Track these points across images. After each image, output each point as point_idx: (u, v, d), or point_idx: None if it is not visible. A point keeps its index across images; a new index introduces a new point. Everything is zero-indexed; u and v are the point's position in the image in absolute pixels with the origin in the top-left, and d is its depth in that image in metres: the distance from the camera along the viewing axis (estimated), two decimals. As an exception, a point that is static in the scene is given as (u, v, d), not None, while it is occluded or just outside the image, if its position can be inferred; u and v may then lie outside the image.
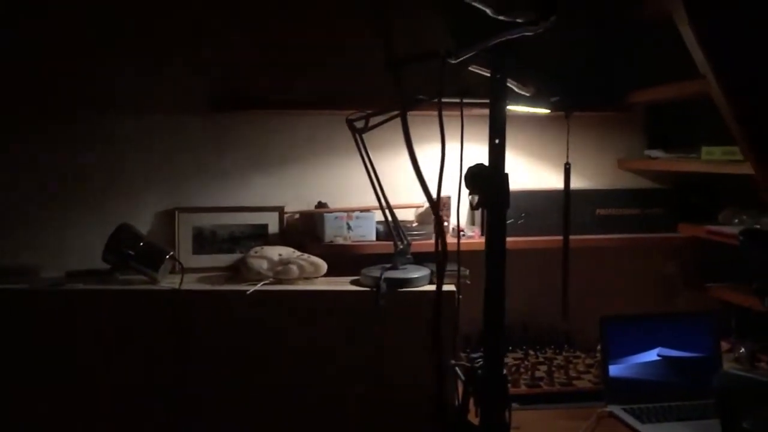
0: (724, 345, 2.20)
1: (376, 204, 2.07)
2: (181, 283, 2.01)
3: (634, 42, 2.33)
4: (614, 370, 2.02)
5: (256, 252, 2.13)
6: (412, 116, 1.78)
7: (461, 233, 2.31)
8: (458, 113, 1.39)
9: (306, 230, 2.35)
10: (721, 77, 1.73)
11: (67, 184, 2.25)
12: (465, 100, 1.38)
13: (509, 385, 2.06)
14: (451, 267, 2.03)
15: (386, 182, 2.06)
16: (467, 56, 1.14)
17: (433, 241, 2.00)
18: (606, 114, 2.46)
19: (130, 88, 2.25)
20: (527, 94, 1.70)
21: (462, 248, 1.53)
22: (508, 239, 1.26)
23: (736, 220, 2.21)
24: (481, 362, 1.26)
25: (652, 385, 2.01)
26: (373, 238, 2.27)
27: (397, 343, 1.95)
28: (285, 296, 2.00)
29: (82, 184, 2.26)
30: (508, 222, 2.25)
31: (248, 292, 1.97)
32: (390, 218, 2.07)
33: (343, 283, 2.07)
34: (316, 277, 2.10)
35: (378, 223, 2.27)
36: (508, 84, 1.49)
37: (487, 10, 0.91)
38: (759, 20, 1.73)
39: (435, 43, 1.15)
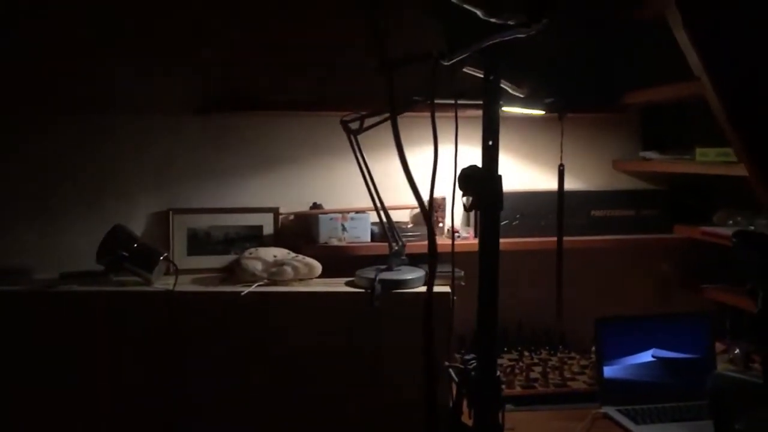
0: (719, 346, 2.20)
1: (371, 205, 2.07)
2: (175, 285, 2.00)
3: (629, 44, 2.33)
4: (609, 371, 2.02)
5: (250, 253, 2.13)
6: (408, 117, 1.79)
7: (456, 234, 2.31)
8: (454, 115, 1.39)
9: (301, 231, 2.34)
10: (715, 79, 1.74)
11: (61, 184, 2.25)
12: (460, 102, 1.38)
13: (503, 386, 2.08)
14: (445, 268, 2.05)
15: (381, 183, 2.06)
16: (460, 58, 1.13)
17: (427, 242, 2.00)
18: (601, 115, 2.46)
19: (125, 89, 2.25)
20: (521, 96, 1.70)
21: (457, 249, 1.53)
22: (503, 240, 1.26)
23: (731, 222, 2.21)
24: (475, 364, 1.25)
25: (646, 386, 2.01)
26: (368, 239, 2.27)
27: (393, 344, 1.95)
28: (279, 298, 1.99)
29: (76, 185, 2.25)
30: (502, 223, 2.26)
31: (242, 294, 1.97)
32: (385, 219, 2.07)
33: (338, 285, 2.07)
34: (311, 279, 2.10)
35: (373, 224, 2.27)
36: (503, 85, 1.49)
37: (478, 13, 0.91)
38: (753, 22, 1.73)
39: (431, 45, 1.14)
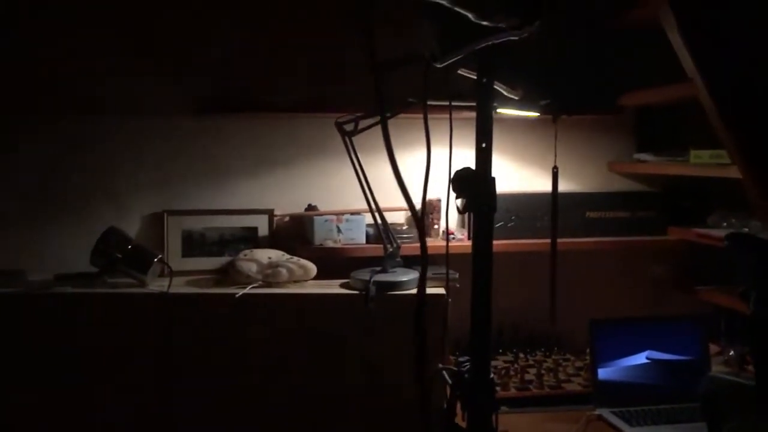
0: (714, 348, 2.21)
1: (366, 207, 2.06)
2: (169, 286, 2.00)
3: (623, 46, 2.33)
4: (603, 373, 2.02)
5: (245, 255, 2.13)
6: (404, 119, 1.79)
7: (451, 236, 2.31)
8: (449, 116, 1.39)
9: (296, 233, 2.34)
10: (709, 81, 1.74)
11: (55, 185, 2.24)
12: (454, 103, 1.38)
13: (498, 388, 2.08)
14: (440, 270, 2.05)
15: (376, 185, 2.06)
16: (453, 60, 1.13)
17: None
18: (596, 117, 2.46)
19: (119, 90, 2.24)
20: (516, 98, 1.70)
21: (451, 251, 1.53)
22: (498, 242, 1.26)
23: (725, 224, 2.22)
24: (468, 366, 1.25)
25: (641, 388, 2.01)
26: (363, 241, 2.27)
27: (387, 346, 1.95)
28: (274, 299, 1.99)
29: (71, 186, 2.25)
30: (497, 225, 2.28)
31: (237, 296, 1.97)
32: (380, 221, 2.07)
33: (333, 287, 2.07)
34: (306, 281, 2.10)
35: (368, 225, 2.27)
36: (497, 87, 1.49)
37: (470, 15, 0.91)
38: (746, 24, 1.73)
39: (428, 47, 1.14)
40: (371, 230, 2.26)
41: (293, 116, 2.32)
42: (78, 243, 2.13)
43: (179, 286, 2.05)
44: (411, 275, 2.03)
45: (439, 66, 1.10)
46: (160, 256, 2.11)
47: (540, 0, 0.97)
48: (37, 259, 2.19)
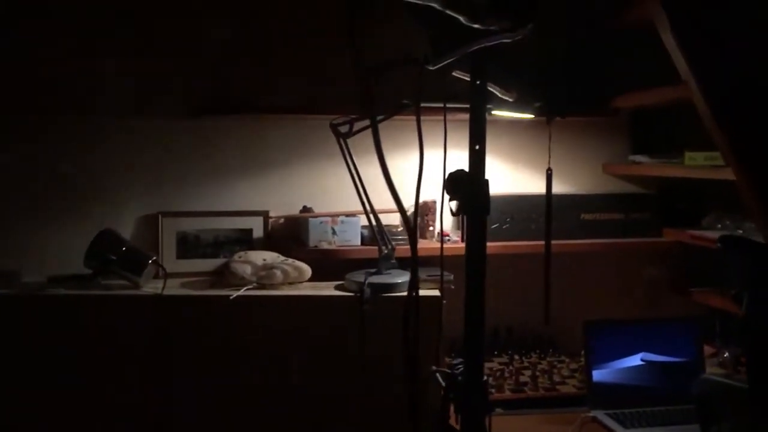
0: (709, 349, 2.21)
1: (361, 208, 2.06)
2: (163, 288, 1.99)
3: (618, 47, 2.33)
4: (598, 375, 2.02)
5: (240, 257, 2.12)
6: (400, 121, 1.79)
7: (446, 238, 2.31)
8: (443, 118, 1.39)
9: (291, 235, 2.34)
10: (702, 83, 1.74)
11: (49, 187, 2.24)
12: (448, 105, 1.38)
13: (493, 390, 2.08)
14: (435, 272, 2.05)
15: (371, 187, 2.05)
16: (447, 62, 1.13)
17: (418, 245, 2.00)
18: (591, 119, 2.47)
19: (114, 92, 2.24)
20: (510, 100, 1.70)
21: (446, 253, 1.53)
22: (493, 244, 1.26)
23: (720, 225, 2.22)
24: (462, 368, 1.25)
25: (635, 390, 2.01)
26: (358, 242, 2.27)
27: (382, 348, 1.94)
28: (269, 301, 1.99)
29: (65, 188, 2.24)
30: (493, 227, 2.28)
31: (231, 297, 1.96)
32: (375, 223, 2.07)
33: (328, 288, 2.07)
34: (300, 282, 2.09)
35: (363, 227, 2.27)
36: (492, 89, 1.49)
37: (461, 18, 0.91)
38: (740, 26, 1.74)
39: (424, 49, 1.14)
40: (366, 232, 2.26)
41: (288, 118, 2.32)
42: (72, 244, 2.12)
43: (174, 288, 2.05)
44: (406, 277, 2.02)
45: (432, 68, 1.10)
46: (154, 257, 2.10)
47: (533, 3, 0.97)
48: (30, 261, 2.18)
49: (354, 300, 1.95)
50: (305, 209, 2.33)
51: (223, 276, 2.12)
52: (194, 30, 2.25)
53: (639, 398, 1.99)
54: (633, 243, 2.42)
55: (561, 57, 2.29)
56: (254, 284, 2.04)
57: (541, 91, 1.84)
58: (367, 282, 1.96)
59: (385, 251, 2.09)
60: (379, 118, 1.85)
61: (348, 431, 1.98)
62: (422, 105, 1.19)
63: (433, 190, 1.95)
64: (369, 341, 1.94)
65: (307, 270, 2.10)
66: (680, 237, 2.32)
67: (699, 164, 2.08)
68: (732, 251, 1.35)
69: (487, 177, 1.21)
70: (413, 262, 1.11)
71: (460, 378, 1.25)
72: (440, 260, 1.46)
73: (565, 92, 2.13)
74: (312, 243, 2.23)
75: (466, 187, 1.22)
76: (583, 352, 2.09)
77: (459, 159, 1.27)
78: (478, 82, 1.18)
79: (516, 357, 2.34)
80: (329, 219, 2.25)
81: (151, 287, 2.05)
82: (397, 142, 2.08)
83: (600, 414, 1.94)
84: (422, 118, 1.19)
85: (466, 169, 1.21)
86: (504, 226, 2.33)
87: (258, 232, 2.32)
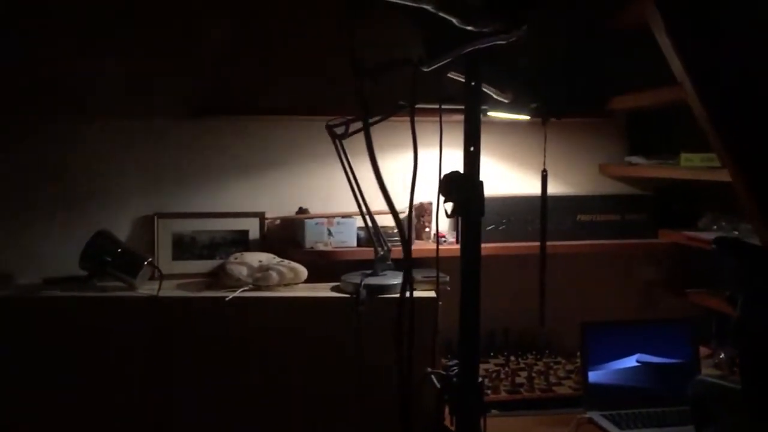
0: (705, 350, 2.21)
1: (357, 210, 2.06)
2: (159, 290, 1.99)
3: (614, 49, 2.34)
4: (594, 376, 2.02)
5: (236, 258, 2.12)
6: (396, 122, 1.79)
7: (442, 239, 2.32)
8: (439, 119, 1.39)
9: (287, 236, 2.34)
10: (698, 84, 1.74)
11: (45, 188, 2.23)
12: (443, 107, 1.38)
13: (489, 391, 2.08)
14: (431, 273, 2.05)
15: (367, 188, 2.05)
16: (441, 64, 1.13)
17: (413, 247, 2.00)
18: (587, 120, 2.47)
19: (110, 92, 2.23)
20: (506, 101, 1.70)
21: (442, 254, 1.53)
22: (489, 245, 1.26)
23: (716, 226, 2.22)
24: (457, 370, 1.25)
25: (631, 391, 2.02)
26: (354, 244, 2.26)
27: (378, 349, 1.94)
28: (264, 303, 1.99)
29: (60, 189, 2.24)
30: (489, 228, 2.28)
31: (227, 299, 1.96)
32: (371, 224, 2.07)
33: (324, 290, 2.07)
34: (296, 284, 2.09)
35: (359, 229, 2.26)
36: (487, 91, 1.49)
37: (454, 20, 0.91)
38: (735, 27, 1.74)
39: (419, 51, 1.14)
40: (362, 233, 2.26)
41: (285, 119, 2.32)
42: (67, 246, 2.12)
43: (169, 290, 2.05)
44: (401, 278, 2.02)
45: (426, 70, 1.10)
46: (150, 259, 2.10)
47: (526, 4, 0.97)
48: (25, 263, 2.18)
49: (350, 301, 1.95)
50: (301, 210, 2.33)
51: (219, 277, 2.12)
52: (194, 30, 2.24)
53: (635, 399, 2.00)
54: (629, 244, 2.42)
55: (560, 57, 2.29)
56: (250, 286, 2.04)
57: (537, 92, 1.84)
58: (363, 283, 1.96)
59: (381, 253, 2.08)
60: (374, 119, 1.85)
61: (344, 431, 1.98)
62: (417, 106, 1.19)
63: (429, 191, 1.96)
64: (365, 342, 1.94)
65: (303, 271, 2.10)
66: (676, 238, 2.32)
67: (695, 165, 2.08)
68: (726, 253, 1.35)
69: (482, 178, 1.21)
70: (406, 271, 1.11)
71: (455, 379, 1.25)
72: (436, 261, 1.46)
73: (564, 92, 2.14)
74: (308, 244, 2.23)
75: (461, 188, 1.22)
76: (579, 353, 2.09)
77: (452, 160, 1.27)
78: (472, 84, 1.18)
79: (512, 358, 2.33)
80: (325, 220, 2.25)
81: (146, 289, 2.04)
82: (392, 143, 2.08)
83: (596, 415, 1.94)
84: (418, 119, 1.19)
85: (458, 170, 1.22)
86: (500, 228, 2.33)
87: (254, 234, 2.31)
